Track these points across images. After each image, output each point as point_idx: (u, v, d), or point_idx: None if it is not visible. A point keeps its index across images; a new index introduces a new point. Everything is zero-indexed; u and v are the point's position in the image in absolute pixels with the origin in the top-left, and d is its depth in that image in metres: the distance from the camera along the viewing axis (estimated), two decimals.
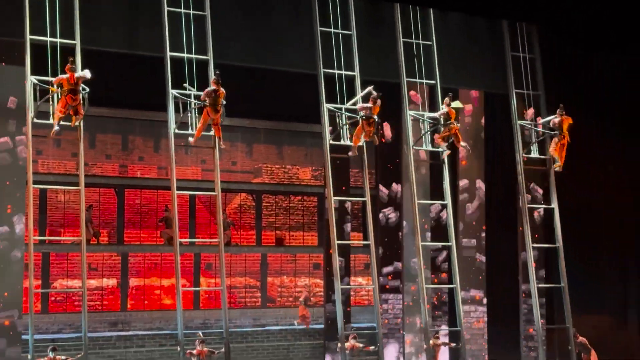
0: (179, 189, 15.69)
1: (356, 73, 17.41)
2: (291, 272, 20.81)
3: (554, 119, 17.75)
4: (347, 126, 16.83)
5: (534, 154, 18.57)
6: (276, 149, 20.79)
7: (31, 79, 14.66)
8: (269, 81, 18.18)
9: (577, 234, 20.36)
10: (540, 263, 19.32)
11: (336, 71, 17.25)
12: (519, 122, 18.46)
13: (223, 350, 15.51)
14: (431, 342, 17.07)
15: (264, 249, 20.29)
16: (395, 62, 17.97)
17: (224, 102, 14.93)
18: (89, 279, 18.95)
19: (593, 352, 18.09)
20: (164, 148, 15.79)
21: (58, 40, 14.80)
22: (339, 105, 16.80)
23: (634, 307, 20.94)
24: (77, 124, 14.58)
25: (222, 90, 14.93)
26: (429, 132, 17.65)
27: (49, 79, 14.42)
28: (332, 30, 17.27)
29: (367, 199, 16.69)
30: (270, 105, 18.93)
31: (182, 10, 15.81)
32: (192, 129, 15.27)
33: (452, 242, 17.52)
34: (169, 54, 15.62)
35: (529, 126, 18.46)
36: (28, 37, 14.85)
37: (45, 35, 14.69)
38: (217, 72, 15.06)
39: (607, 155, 20.85)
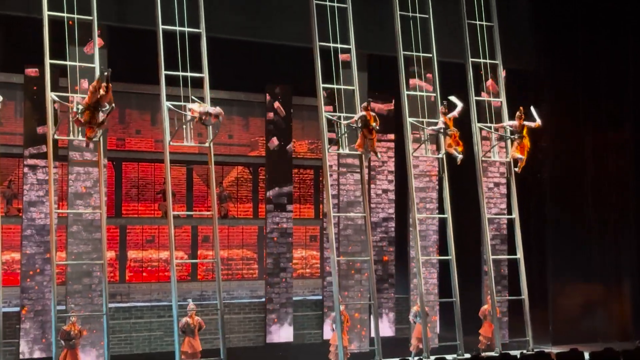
0: (176, 162, 15.52)
1: (352, 46, 17.20)
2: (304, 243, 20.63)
3: (513, 122, 17.67)
4: (346, 135, 16.82)
5: (494, 157, 18.57)
6: (297, 123, 20.25)
7: (51, 96, 14.67)
8: (265, 55, 17.79)
9: (569, 203, 20.23)
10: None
11: (331, 44, 17.03)
12: (478, 124, 18.19)
13: (219, 321, 15.68)
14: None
15: (261, 222, 19.91)
16: (391, 35, 17.59)
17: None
18: None
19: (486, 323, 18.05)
20: (160, 121, 15.56)
21: (75, 16, 14.94)
22: (337, 114, 16.87)
23: (628, 276, 20.64)
24: (97, 136, 14.67)
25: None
26: (427, 141, 17.98)
27: (67, 63, 14.88)
28: (328, 3, 16.79)
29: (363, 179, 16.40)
30: (265, 79, 18.53)
31: None
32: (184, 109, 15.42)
33: (448, 214, 17.26)
34: (161, 27, 15.24)
35: (488, 129, 18.41)
36: (46, 13, 14.77)
37: (62, 11, 14.80)
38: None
39: (600, 121, 20.49)
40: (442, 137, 17.30)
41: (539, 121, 17.58)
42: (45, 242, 16.00)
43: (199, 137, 17.88)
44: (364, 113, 15.95)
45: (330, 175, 17.90)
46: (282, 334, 18.55)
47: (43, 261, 16.04)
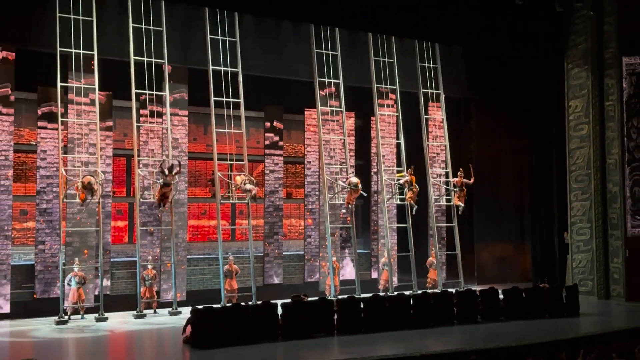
0: (219, 159, 16.53)
1: (340, 81, 18.21)
2: (297, 215, 21.47)
3: (456, 179, 18.84)
4: (342, 192, 17.94)
5: (443, 202, 19.80)
6: (286, 132, 21.25)
7: (138, 172, 15.57)
8: (280, 86, 18.75)
9: (489, 189, 21.68)
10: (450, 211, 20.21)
11: (326, 79, 17.98)
12: (432, 179, 19.52)
13: (251, 268, 16.86)
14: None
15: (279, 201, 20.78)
16: (367, 73, 18.69)
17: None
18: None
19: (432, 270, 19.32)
20: (210, 132, 16.49)
21: (166, 63, 15.79)
22: (334, 177, 18.23)
23: (528, 238, 21.57)
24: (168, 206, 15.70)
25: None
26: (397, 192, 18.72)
27: (146, 92, 15.42)
28: (324, 51, 17.98)
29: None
30: (281, 102, 19.50)
31: (220, 37, 16.77)
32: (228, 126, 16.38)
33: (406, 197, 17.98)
34: (211, 67, 16.25)
35: (438, 182, 19.77)
36: (132, 58, 15.41)
37: (144, 56, 15.59)
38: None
39: (510, 133, 21.71)
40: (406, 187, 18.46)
41: (472, 179, 18.78)
42: (154, 214, 16.82)
43: (237, 142, 18.82)
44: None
45: (311, 168, 19.52)
46: (275, 277, 19.14)
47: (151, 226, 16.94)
